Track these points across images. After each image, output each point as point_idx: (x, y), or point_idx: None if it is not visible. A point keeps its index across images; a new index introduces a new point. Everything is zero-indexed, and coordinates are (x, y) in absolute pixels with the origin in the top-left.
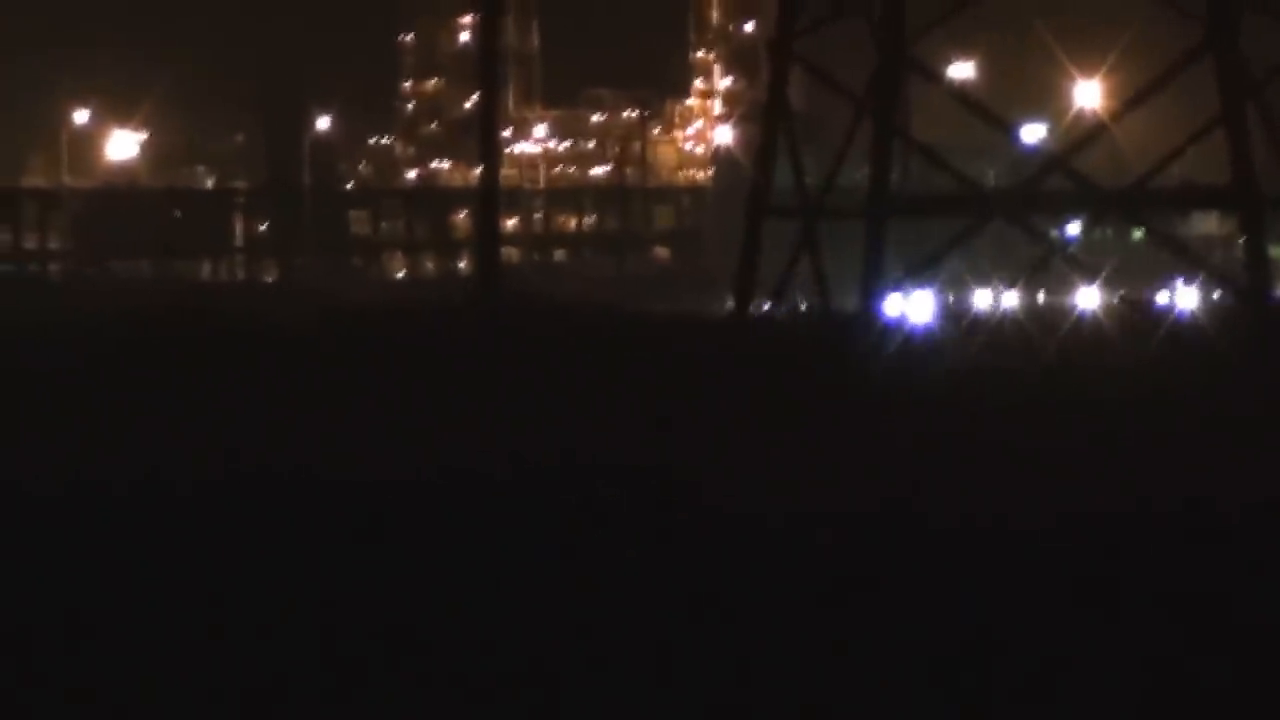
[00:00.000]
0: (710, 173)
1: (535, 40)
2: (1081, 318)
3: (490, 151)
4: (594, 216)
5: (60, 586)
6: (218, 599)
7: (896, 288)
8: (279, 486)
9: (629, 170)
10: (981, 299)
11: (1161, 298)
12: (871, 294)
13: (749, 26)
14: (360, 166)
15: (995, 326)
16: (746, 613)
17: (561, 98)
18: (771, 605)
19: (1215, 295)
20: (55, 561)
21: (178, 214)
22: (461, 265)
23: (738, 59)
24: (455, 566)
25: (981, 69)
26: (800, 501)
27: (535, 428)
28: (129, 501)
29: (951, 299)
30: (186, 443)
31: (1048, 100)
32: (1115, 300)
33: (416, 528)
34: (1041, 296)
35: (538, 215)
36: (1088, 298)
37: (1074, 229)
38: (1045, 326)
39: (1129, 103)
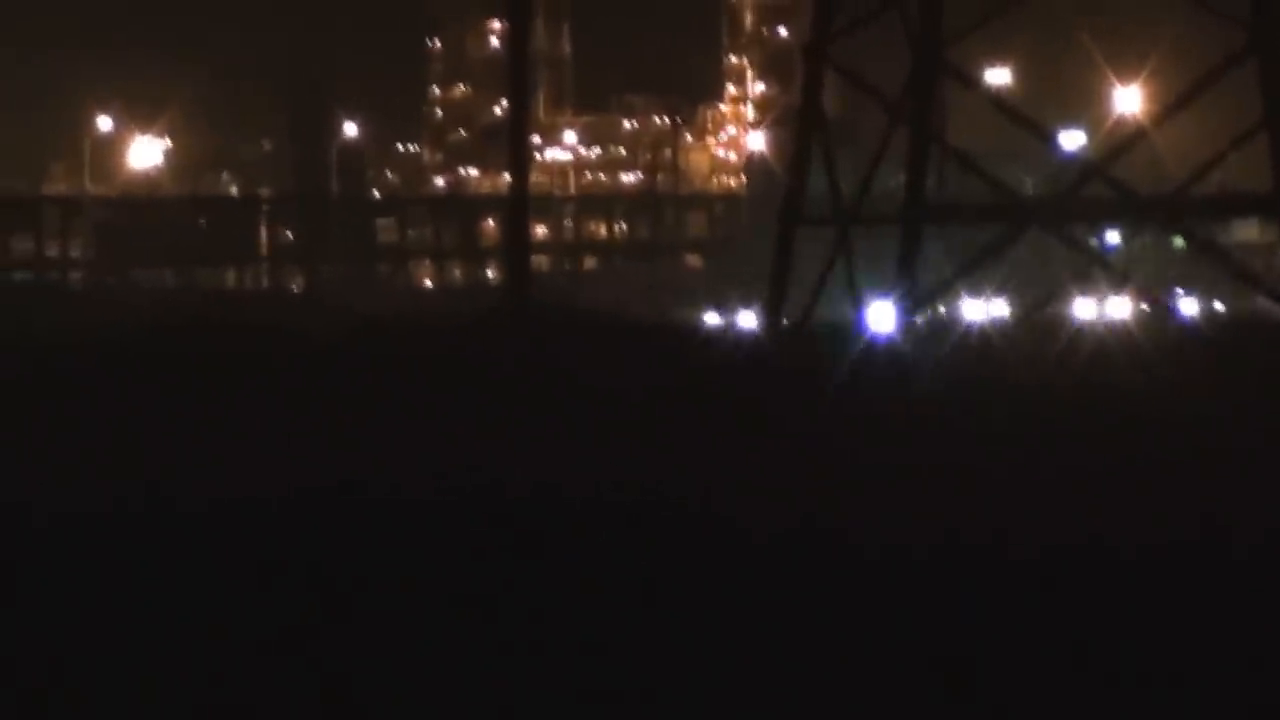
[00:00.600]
0: (743, 179)
1: (566, 45)
2: (1114, 328)
3: (520, 159)
4: (625, 224)
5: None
6: (234, 613)
7: (930, 296)
8: (303, 500)
9: (661, 177)
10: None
11: (1196, 306)
12: (906, 302)
13: (783, 31)
14: (388, 174)
15: (1023, 336)
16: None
17: (593, 103)
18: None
19: (1256, 303)
20: (63, 575)
21: (202, 222)
22: (490, 273)
23: (771, 64)
24: (468, 579)
25: (1018, 73)
26: (800, 519)
27: (560, 444)
28: (152, 517)
29: (980, 308)
30: (211, 456)
31: (1086, 105)
32: (1146, 308)
33: (433, 539)
34: (1077, 306)
35: (568, 223)
36: (1122, 306)
37: (1113, 237)
38: (1077, 338)
39: (1169, 108)
